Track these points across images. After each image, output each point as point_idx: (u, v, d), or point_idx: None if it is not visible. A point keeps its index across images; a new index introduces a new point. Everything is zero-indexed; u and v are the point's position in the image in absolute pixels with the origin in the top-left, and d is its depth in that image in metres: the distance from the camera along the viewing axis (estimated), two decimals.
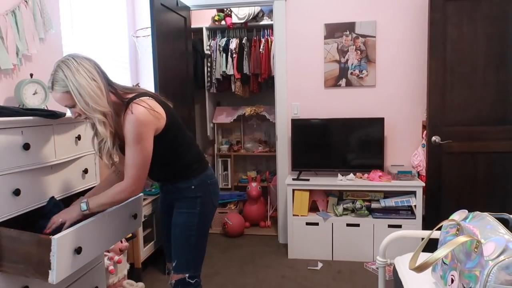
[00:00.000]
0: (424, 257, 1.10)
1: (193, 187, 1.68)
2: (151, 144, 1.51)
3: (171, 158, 1.66)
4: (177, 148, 1.65)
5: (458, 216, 1.20)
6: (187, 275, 1.68)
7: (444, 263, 1.19)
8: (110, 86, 1.53)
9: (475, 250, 0.98)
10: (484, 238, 0.98)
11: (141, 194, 2.01)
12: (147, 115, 1.47)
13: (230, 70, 4.06)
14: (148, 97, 1.53)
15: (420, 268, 1.09)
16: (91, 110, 1.44)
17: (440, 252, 1.04)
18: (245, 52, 4.05)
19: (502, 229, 0.98)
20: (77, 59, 1.45)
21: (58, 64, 1.45)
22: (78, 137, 1.90)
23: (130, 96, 1.53)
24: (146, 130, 1.48)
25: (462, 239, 1.02)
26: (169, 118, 1.57)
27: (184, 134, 1.69)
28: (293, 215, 3.20)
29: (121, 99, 1.53)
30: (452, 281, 1.10)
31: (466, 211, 1.21)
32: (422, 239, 1.31)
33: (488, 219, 1.06)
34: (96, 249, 1.65)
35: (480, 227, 1.04)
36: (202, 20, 4.15)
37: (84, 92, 1.42)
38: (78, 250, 1.48)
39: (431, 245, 1.29)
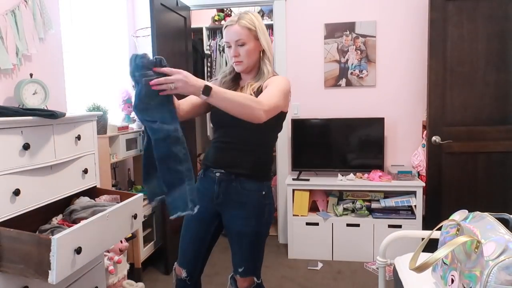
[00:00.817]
0: (424, 257, 1.10)
1: (264, 192, 1.59)
2: (285, 104, 1.56)
3: (269, 141, 1.64)
4: (274, 137, 1.68)
5: (458, 216, 1.20)
6: (255, 277, 1.64)
7: (444, 263, 1.19)
8: None
9: (475, 250, 0.98)
10: (484, 238, 0.98)
11: (141, 194, 2.00)
12: (289, 85, 1.60)
13: None
14: None
15: (420, 268, 1.08)
16: (268, 48, 1.58)
17: (440, 252, 1.03)
18: None
19: (502, 229, 0.98)
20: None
21: (245, 11, 1.60)
22: (78, 137, 1.90)
23: None
24: (288, 91, 1.57)
25: (462, 239, 1.02)
26: None
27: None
28: (293, 215, 3.20)
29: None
30: (452, 281, 1.10)
31: (466, 211, 1.21)
32: (422, 239, 1.30)
33: (488, 219, 1.06)
34: (96, 249, 1.65)
35: (480, 227, 1.04)
36: (202, 20, 4.14)
37: (266, 35, 1.58)
38: (78, 250, 1.48)
39: (431, 245, 1.29)
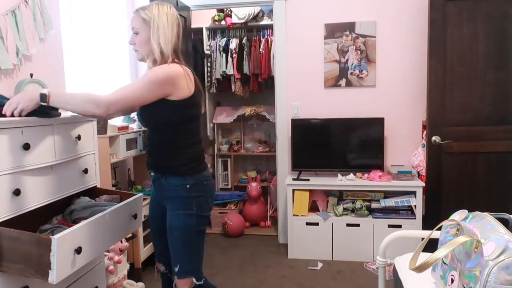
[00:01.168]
0: (424, 257, 1.10)
1: (188, 186, 1.62)
2: (149, 95, 1.51)
3: (177, 139, 1.61)
4: (185, 132, 1.64)
5: (458, 216, 1.20)
6: (193, 278, 1.64)
7: (444, 263, 1.19)
8: (176, 51, 1.64)
9: (475, 250, 0.98)
10: (484, 238, 0.98)
11: (141, 194, 2.01)
12: (172, 71, 1.53)
13: (230, 70, 4.06)
14: (187, 69, 1.61)
15: (420, 268, 1.09)
16: (156, 43, 1.56)
17: (440, 252, 1.03)
18: (245, 52, 4.06)
19: (502, 229, 0.98)
20: (173, 10, 1.62)
21: (160, 2, 1.62)
22: (78, 137, 1.90)
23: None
24: (158, 82, 1.51)
25: (462, 239, 1.02)
26: (193, 97, 1.60)
27: (196, 127, 1.70)
28: (293, 215, 3.20)
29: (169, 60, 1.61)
30: (452, 281, 1.10)
31: (466, 211, 1.21)
32: (422, 239, 1.31)
33: (488, 219, 1.06)
34: (96, 249, 1.65)
35: (480, 227, 1.04)
36: (202, 20, 4.15)
37: (161, 31, 1.56)
38: (78, 250, 1.48)
39: (432, 245, 1.29)
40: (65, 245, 1.42)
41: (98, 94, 1.49)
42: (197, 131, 1.71)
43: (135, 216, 1.91)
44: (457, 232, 1.15)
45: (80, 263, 1.51)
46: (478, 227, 1.05)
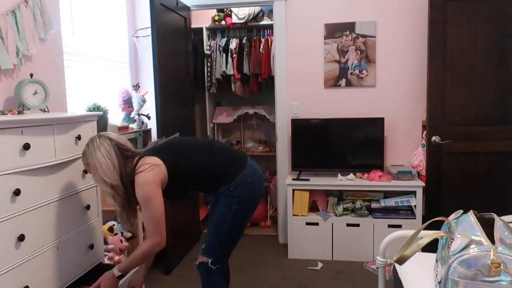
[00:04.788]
0: (422, 256, 1.11)
1: (232, 188, 1.80)
2: (159, 200, 1.68)
3: (202, 179, 1.83)
4: (200, 172, 1.81)
5: (453, 216, 1.22)
6: (210, 260, 1.81)
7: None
8: (128, 158, 1.74)
9: (449, 245, 1.05)
10: (459, 235, 1.03)
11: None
12: (148, 177, 1.65)
13: (230, 70, 4.06)
14: (147, 157, 1.70)
15: (399, 260, 1.17)
16: (100, 183, 1.68)
17: (417, 246, 1.10)
18: (245, 52, 4.05)
19: (478, 229, 1.02)
20: (100, 139, 1.72)
21: (89, 140, 1.74)
22: (78, 137, 1.91)
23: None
24: (151, 189, 1.65)
25: (439, 233, 1.11)
26: (170, 164, 1.72)
27: (197, 156, 1.82)
28: (293, 215, 3.21)
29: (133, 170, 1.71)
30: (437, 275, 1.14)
31: (461, 211, 1.23)
32: (419, 238, 1.31)
33: (470, 218, 1.09)
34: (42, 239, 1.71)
35: (462, 226, 1.08)
36: (202, 20, 4.15)
37: (98, 165, 1.67)
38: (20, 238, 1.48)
39: (432, 246, 1.29)
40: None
41: (144, 243, 1.70)
42: (202, 157, 1.84)
43: (87, 207, 1.95)
44: (448, 231, 1.17)
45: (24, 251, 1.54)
46: (461, 225, 1.09)
